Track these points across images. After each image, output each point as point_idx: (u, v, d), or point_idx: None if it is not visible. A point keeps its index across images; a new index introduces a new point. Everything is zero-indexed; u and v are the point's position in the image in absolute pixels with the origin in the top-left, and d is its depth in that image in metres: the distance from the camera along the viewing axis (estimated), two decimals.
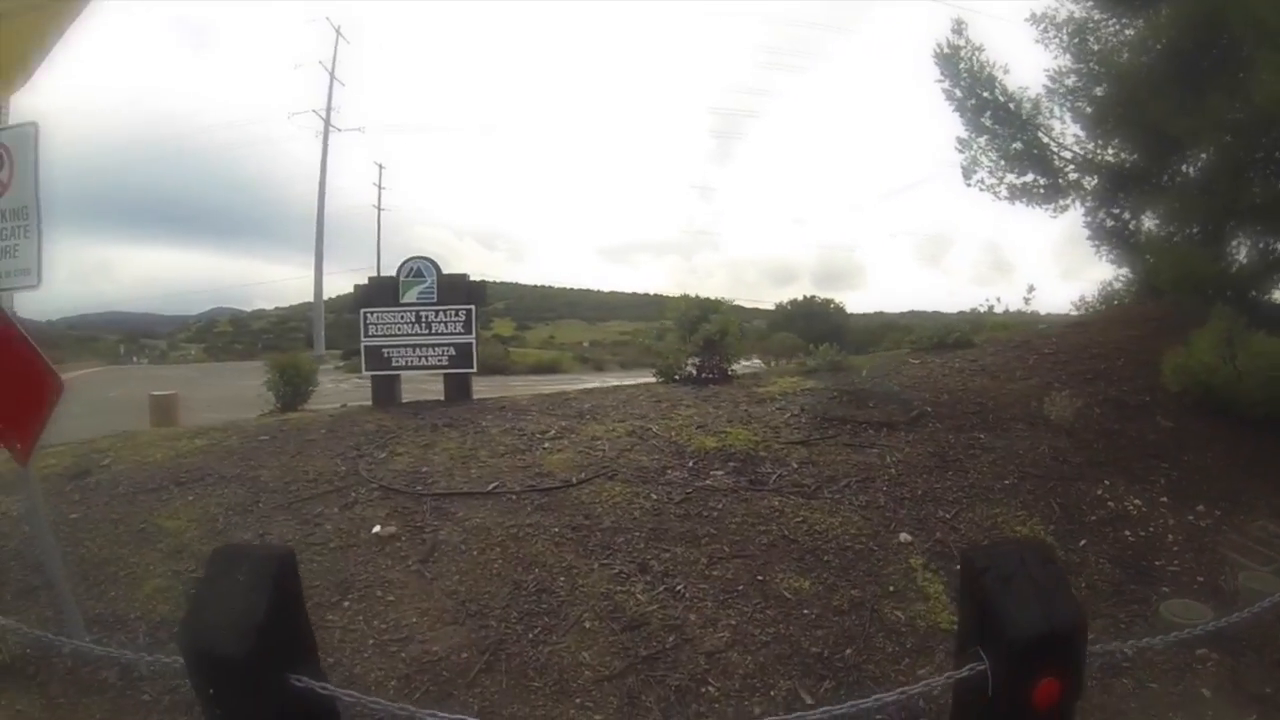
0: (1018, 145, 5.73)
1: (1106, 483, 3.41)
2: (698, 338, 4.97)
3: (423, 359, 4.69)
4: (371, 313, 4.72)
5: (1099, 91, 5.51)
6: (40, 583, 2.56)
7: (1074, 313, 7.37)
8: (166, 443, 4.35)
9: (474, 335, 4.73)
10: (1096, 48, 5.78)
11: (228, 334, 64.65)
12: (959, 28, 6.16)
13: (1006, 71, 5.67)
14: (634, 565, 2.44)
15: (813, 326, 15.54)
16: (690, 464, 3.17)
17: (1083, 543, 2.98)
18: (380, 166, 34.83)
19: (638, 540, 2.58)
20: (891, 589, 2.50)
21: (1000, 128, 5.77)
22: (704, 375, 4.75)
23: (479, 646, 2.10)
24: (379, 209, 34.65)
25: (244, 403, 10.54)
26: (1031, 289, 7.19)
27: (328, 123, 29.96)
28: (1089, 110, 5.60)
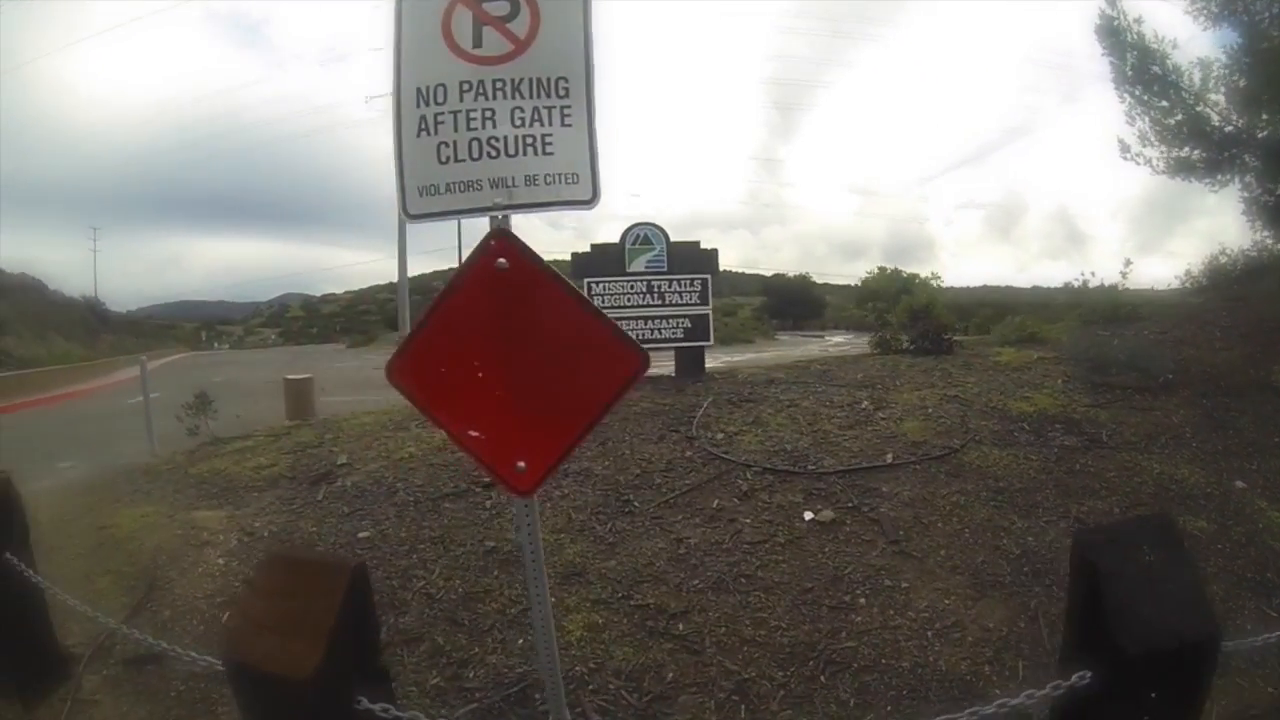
0: (1179, 118, 6.47)
1: None
2: (901, 310, 5.48)
3: (655, 332, 4.95)
4: (597, 283, 4.91)
5: (1254, 67, 6.29)
6: (411, 629, 2.27)
7: (1178, 285, 8.38)
8: (391, 434, 4.38)
9: (710, 306, 5.02)
10: (1245, 20, 6.55)
11: (300, 319, 73.68)
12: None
13: (1175, 46, 6.34)
14: (1069, 520, 2.94)
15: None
16: (1025, 426, 3.70)
17: None
18: None
19: (1051, 497, 3.09)
20: (1261, 525, 3.15)
21: (1163, 101, 6.47)
22: (923, 346, 5.28)
23: (1025, 614, 2.30)
24: None
25: (365, 384, 10.42)
26: (1129, 263, 7.97)
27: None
28: (1243, 84, 6.38)
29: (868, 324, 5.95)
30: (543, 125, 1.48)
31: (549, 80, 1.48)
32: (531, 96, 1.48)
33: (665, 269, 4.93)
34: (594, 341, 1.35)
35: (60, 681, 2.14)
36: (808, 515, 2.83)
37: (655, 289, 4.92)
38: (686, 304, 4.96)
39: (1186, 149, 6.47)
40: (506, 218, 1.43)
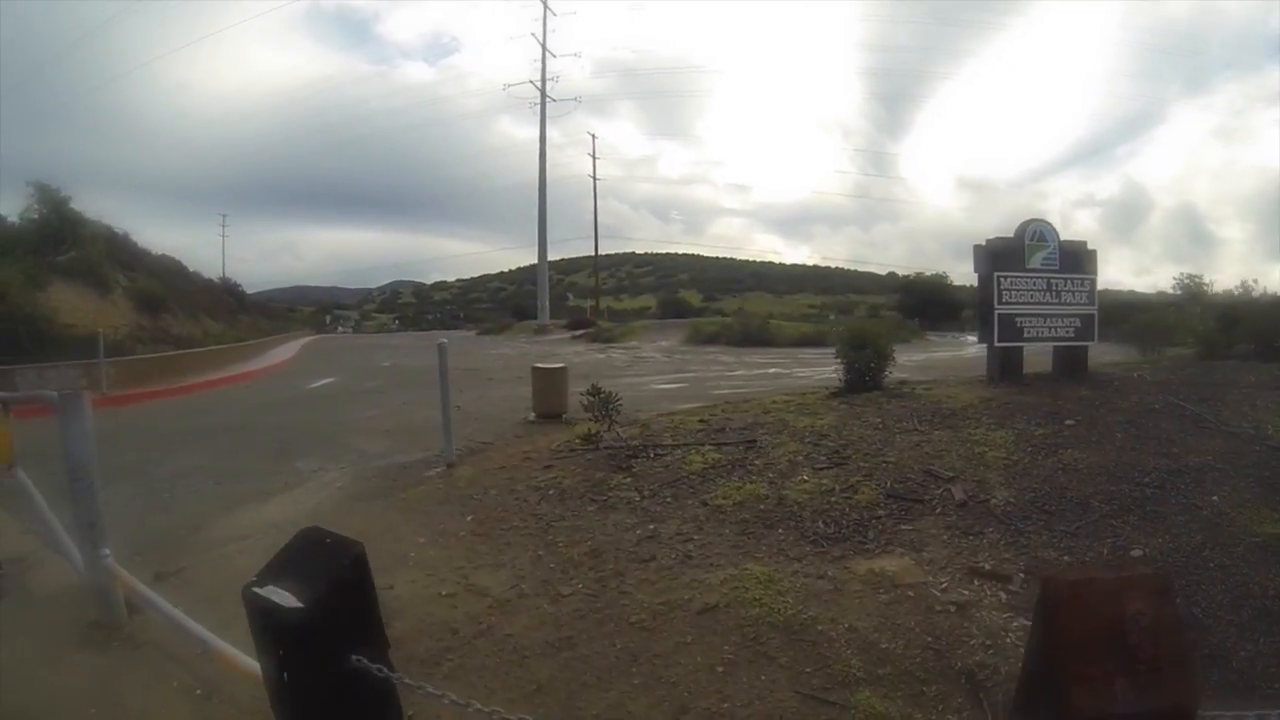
0: None
1: None
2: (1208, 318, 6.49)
3: (1051, 330, 5.51)
4: (1005, 278, 5.37)
5: None
6: None
7: None
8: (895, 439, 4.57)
9: (1095, 307, 5.66)
10: None
11: (411, 305, 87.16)
12: None
13: None
14: None
15: None
16: None
17: None
18: (593, 136, 44.23)
19: None
20: None
21: None
22: (1235, 354, 6.28)
23: None
24: (595, 179, 44.19)
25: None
26: None
27: (544, 94, 38.41)
28: None
29: None
30: None
31: None
32: None
33: (1058, 268, 5.51)
34: None
35: None
36: None
37: (1053, 286, 5.46)
38: (1077, 303, 5.54)
39: None
40: None
